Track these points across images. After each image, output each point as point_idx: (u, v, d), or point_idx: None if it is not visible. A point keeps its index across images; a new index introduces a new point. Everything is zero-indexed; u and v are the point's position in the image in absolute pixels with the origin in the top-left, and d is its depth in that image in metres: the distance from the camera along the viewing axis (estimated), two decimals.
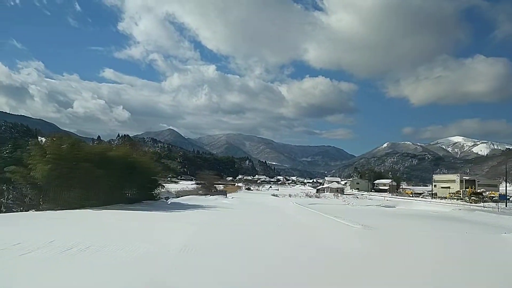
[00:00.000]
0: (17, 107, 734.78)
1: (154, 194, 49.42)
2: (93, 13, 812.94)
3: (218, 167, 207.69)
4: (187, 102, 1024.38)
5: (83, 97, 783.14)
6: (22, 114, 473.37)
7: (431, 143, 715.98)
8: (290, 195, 71.72)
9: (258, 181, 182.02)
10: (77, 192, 34.73)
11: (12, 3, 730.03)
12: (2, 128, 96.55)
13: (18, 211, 31.69)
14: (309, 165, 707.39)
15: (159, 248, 12.16)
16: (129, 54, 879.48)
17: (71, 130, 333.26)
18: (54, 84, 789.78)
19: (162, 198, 51.21)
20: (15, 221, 22.27)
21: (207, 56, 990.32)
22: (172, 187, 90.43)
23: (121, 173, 38.81)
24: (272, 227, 23.64)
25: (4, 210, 31.22)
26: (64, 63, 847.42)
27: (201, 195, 60.91)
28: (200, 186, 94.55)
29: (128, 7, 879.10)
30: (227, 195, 60.14)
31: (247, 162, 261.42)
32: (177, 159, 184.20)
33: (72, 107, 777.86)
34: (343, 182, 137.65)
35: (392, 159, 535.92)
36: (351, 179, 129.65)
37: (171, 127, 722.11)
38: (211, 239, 16.15)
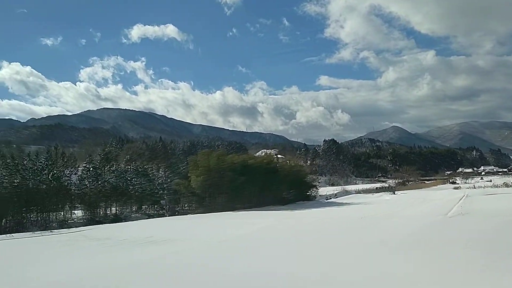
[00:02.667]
0: (251, 125, 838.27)
1: (310, 194, 52.78)
2: (301, 26, 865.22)
3: (436, 161, 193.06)
4: (408, 95, 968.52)
5: (304, 107, 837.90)
6: (256, 131, 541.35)
7: None
8: (474, 187, 63.43)
9: (483, 173, 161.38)
10: (225, 197, 41.38)
11: (230, 34, 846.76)
12: (220, 146, 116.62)
13: (181, 214, 40.19)
14: None
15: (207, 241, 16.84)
16: (340, 57, 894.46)
17: (299, 140, 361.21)
18: (278, 99, 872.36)
19: (322, 198, 53.97)
20: (168, 223, 30.38)
21: (422, 41, 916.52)
22: (364, 186, 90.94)
23: (264, 178, 43.69)
24: (350, 220, 24.49)
25: (167, 214, 39.96)
26: (283, 78, 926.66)
27: (368, 192, 60.73)
28: (397, 182, 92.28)
29: (331, 12, 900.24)
30: (396, 192, 58.05)
31: (473, 152, 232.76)
32: (387, 157, 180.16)
33: (295, 118, 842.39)
34: None
35: None
36: None
37: (394, 124, 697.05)
38: (265, 232, 19.77)
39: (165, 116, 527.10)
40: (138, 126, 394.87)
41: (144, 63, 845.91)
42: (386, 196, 51.62)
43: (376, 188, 71.75)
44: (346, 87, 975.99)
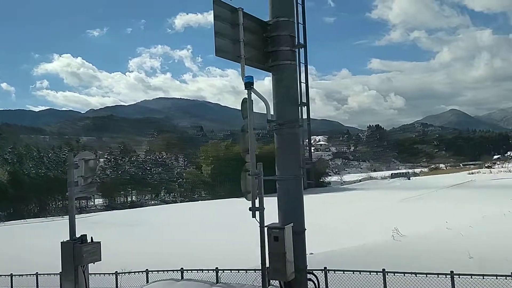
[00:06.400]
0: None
1: (323, 181, 54.09)
2: (346, 7, 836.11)
3: (487, 145, 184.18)
4: (464, 76, 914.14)
5: (355, 91, 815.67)
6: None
7: None
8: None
9: None
10: (232, 185, 43.96)
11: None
12: (260, 134, 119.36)
13: (192, 201, 43.32)
14: None
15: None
16: (389, 39, 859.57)
17: (353, 125, 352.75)
18: (327, 84, 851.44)
19: (338, 184, 55.15)
20: (167, 209, 33.69)
21: (478, 19, 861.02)
22: (393, 172, 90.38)
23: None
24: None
25: (177, 201, 43.21)
26: (331, 62, 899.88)
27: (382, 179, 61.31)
28: (430, 168, 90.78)
29: None
30: (411, 178, 58.08)
31: None
32: (432, 142, 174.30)
33: (347, 103, 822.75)
34: None
35: None
36: None
37: (452, 107, 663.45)
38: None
39: (218, 104, 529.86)
40: (190, 115, 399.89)
41: (190, 51, 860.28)
42: (398, 182, 51.86)
43: (392, 174, 71.93)
44: (398, 70, 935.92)
